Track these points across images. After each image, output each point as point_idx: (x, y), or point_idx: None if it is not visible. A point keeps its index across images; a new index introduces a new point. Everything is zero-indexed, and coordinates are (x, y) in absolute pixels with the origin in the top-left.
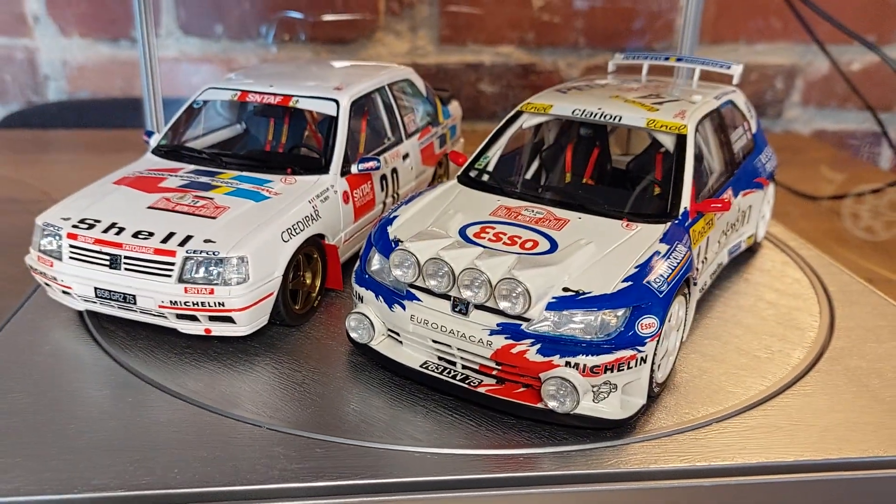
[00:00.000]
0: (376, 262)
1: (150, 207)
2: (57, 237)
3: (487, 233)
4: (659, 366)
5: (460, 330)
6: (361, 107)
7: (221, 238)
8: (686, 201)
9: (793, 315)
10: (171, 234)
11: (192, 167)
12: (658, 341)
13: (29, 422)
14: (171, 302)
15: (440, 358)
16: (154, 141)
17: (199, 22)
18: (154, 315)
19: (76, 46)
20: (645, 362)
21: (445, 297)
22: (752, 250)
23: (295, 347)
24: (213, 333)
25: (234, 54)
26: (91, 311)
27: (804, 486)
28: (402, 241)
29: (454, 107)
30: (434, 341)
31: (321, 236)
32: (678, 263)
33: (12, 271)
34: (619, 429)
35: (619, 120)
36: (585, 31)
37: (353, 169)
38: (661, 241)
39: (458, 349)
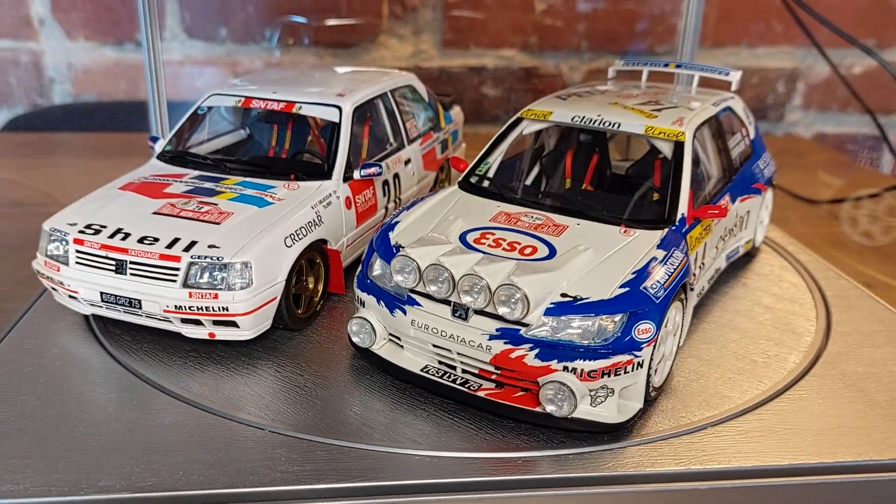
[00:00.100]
0: (378, 267)
1: (155, 213)
2: (64, 242)
3: (487, 238)
4: (656, 370)
5: (460, 335)
6: (364, 113)
7: (225, 244)
8: (683, 207)
9: (789, 319)
10: (175, 240)
11: (197, 173)
12: (654, 346)
13: (37, 424)
14: (175, 306)
15: (440, 362)
16: (159, 147)
17: (204, 25)
18: (159, 319)
19: (81, 49)
20: (641, 367)
21: (446, 302)
22: (750, 255)
23: (297, 351)
24: (217, 337)
25: (238, 57)
26: (97, 315)
27: (798, 489)
28: (403, 247)
29: (456, 112)
30: (434, 346)
31: (324, 241)
32: (675, 269)
33: (19, 274)
34: (616, 432)
35: (618, 127)
36: (588, 35)
37: (356, 175)
38: (659, 247)
39: (458, 353)
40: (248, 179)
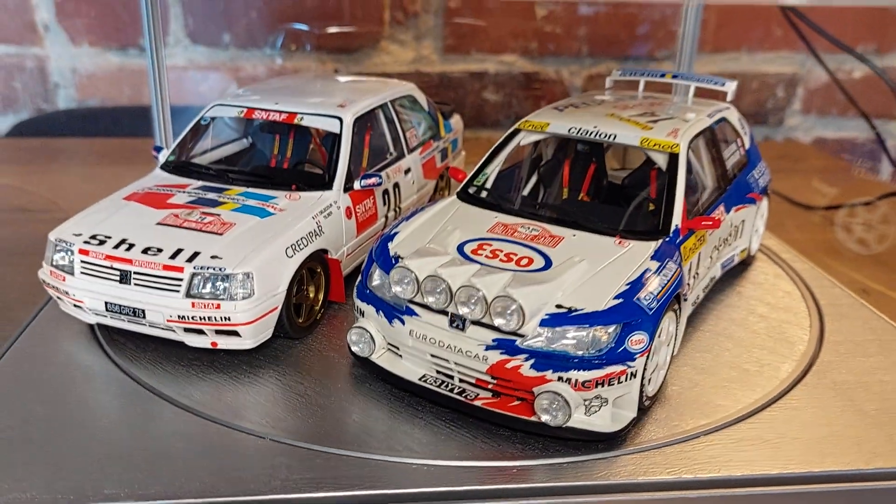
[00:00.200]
0: (377, 277)
1: (158, 224)
2: (69, 252)
3: (485, 249)
4: (649, 379)
5: (457, 345)
6: (365, 123)
7: (227, 254)
8: (677, 219)
9: (783, 328)
10: (179, 251)
11: (200, 183)
12: (648, 357)
13: (43, 431)
14: (178, 316)
15: (438, 371)
16: (162, 157)
17: (207, 31)
18: (162, 329)
19: (85, 55)
20: (635, 377)
21: (443, 312)
22: (745, 263)
23: (298, 360)
24: (219, 346)
25: (241, 62)
26: (102, 324)
27: (788, 498)
28: (402, 258)
29: (456, 120)
30: (432, 355)
31: (324, 251)
32: (668, 281)
33: (24, 282)
34: (610, 441)
35: (614, 138)
36: (588, 40)
37: (356, 185)
38: (653, 258)
39: (456, 363)
40: (250, 190)
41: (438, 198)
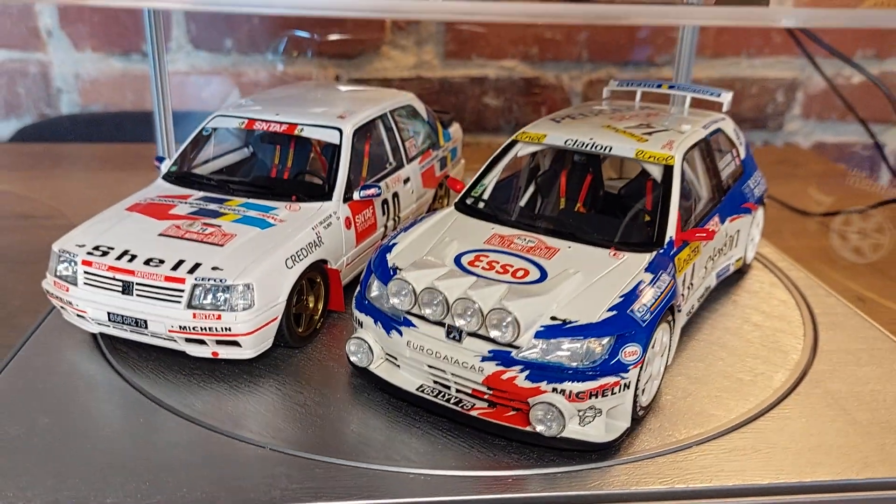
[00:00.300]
0: (375, 288)
1: (160, 235)
2: (72, 263)
3: (481, 261)
4: (643, 390)
5: (454, 356)
6: (364, 133)
7: (228, 266)
8: (671, 231)
9: (777, 337)
10: (180, 262)
11: (202, 194)
12: (641, 368)
13: (47, 441)
14: (180, 327)
15: (435, 382)
16: (165, 167)
17: (209, 36)
18: (164, 339)
19: (88, 60)
20: (628, 388)
21: (440, 324)
22: (741, 272)
23: (298, 369)
24: (220, 356)
25: (243, 68)
26: (104, 334)
27: None
28: (400, 269)
29: (455, 129)
30: (429, 366)
31: (324, 261)
32: (662, 293)
33: (28, 289)
34: (604, 451)
35: (610, 150)
36: (588, 46)
37: (355, 195)
38: (647, 270)
39: (452, 374)
40: (250, 201)
41: (438, 206)
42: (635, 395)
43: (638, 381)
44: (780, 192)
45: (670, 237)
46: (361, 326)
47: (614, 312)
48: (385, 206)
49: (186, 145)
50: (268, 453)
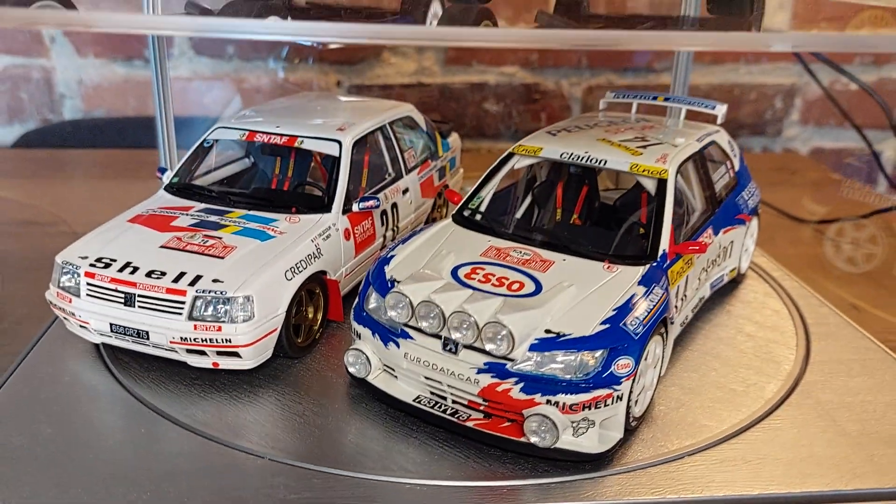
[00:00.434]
0: (373, 300)
1: (162, 247)
2: (75, 275)
3: (478, 273)
4: (636, 401)
5: (450, 368)
6: (364, 145)
7: (229, 278)
8: (665, 244)
9: (770, 348)
10: (181, 274)
11: (203, 206)
12: (634, 380)
13: (50, 451)
14: (181, 338)
15: (432, 393)
16: (166, 178)
17: (211, 43)
18: (165, 349)
19: (91, 66)
20: (621, 400)
21: (437, 336)
22: (735, 281)
23: (297, 379)
24: (220, 367)
25: (244, 74)
26: (107, 344)
27: None
28: (398, 281)
29: (454, 139)
30: (426, 377)
31: (323, 272)
32: (654, 305)
33: (32, 297)
34: (597, 461)
35: (605, 164)
36: (587, 52)
37: (354, 207)
38: (640, 283)
39: (448, 385)
40: (251, 213)
41: (437, 215)
42: (628, 407)
43: (630, 392)
44: (776, 199)
45: (663, 250)
46: (359, 338)
47: (607, 326)
48: (384, 216)
49: (188, 157)
50: (267, 463)
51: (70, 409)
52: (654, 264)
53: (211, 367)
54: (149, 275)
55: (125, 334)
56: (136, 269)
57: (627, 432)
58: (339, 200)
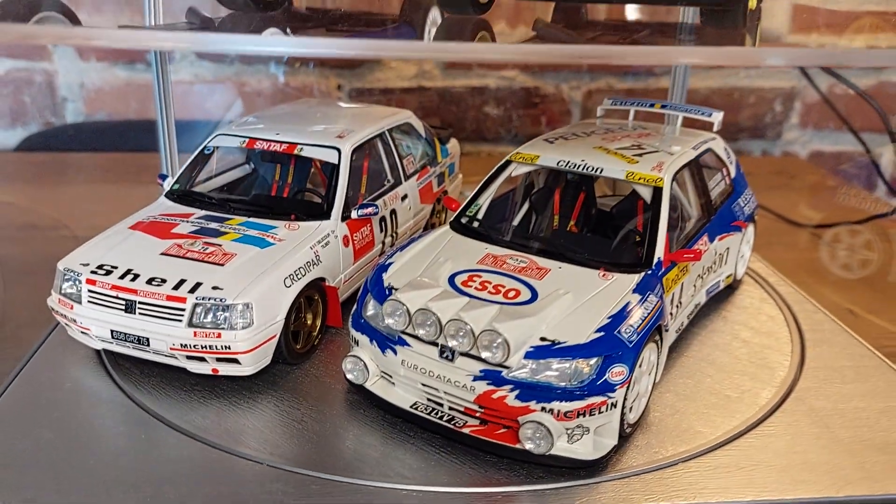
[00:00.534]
0: (371, 307)
1: (162, 254)
2: (77, 282)
3: (474, 281)
4: (631, 408)
5: (446, 375)
6: (363, 152)
7: (228, 285)
8: (660, 252)
9: (765, 354)
10: (181, 281)
11: (203, 213)
12: (628, 388)
13: (51, 457)
14: (181, 345)
15: (429, 399)
16: (167, 184)
17: None
18: (166, 356)
19: (93, 70)
20: (615, 407)
21: (434, 344)
22: (732, 287)
23: (296, 385)
24: (219, 373)
25: (246, 77)
26: (108, 350)
27: None
28: (395, 289)
29: (452, 145)
30: (423, 384)
31: (322, 279)
32: (649, 313)
33: (34, 301)
34: (591, 468)
35: (601, 172)
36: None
37: (353, 214)
38: (635, 291)
39: (445, 392)
40: (251, 220)
41: (436, 220)
42: (623, 413)
43: (625, 400)
44: (774, 203)
45: (658, 258)
46: (357, 345)
47: (602, 333)
48: (383, 223)
49: (188, 164)
50: (265, 469)
51: (71, 414)
52: (650, 272)
53: (210, 373)
54: (149, 282)
55: (126, 341)
56: (136, 276)
57: (622, 438)
58: (337, 208)
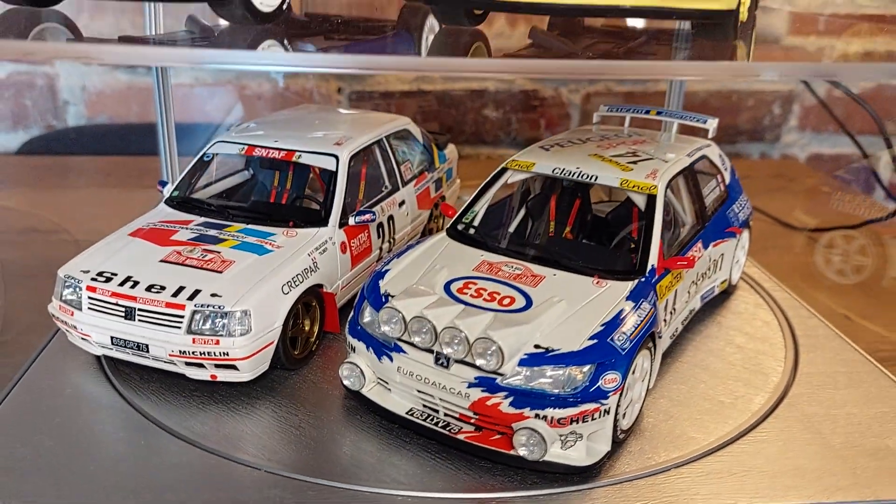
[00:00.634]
0: (368, 314)
1: (162, 261)
2: (77, 289)
3: (470, 288)
4: (624, 414)
5: (441, 382)
6: (361, 159)
7: (226, 292)
8: (654, 259)
9: (759, 360)
10: (180, 289)
11: (202, 220)
12: (621, 394)
13: (52, 463)
14: (180, 351)
15: (425, 406)
16: (167, 191)
17: None
18: (165, 362)
19: (94, 73)
20: (608, 414)
21: (429, 351)
22: (727, 293)
23: (293, 391)
24: (218, 379)
25: (246, 81)
26: (108, 356)
27: None
28: (392, 296)
29: (450, 150)
30: (419, 391)
31: (320, 286)
32: (642, 321)
33: (35, 305)
34: (585, 474)
35: (595, 179)
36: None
37: (351, 221)
38: (628, 298)
39: (440, 399)
40: (249, 227)
41: (433, 226)
42: (616, 420)
43: (618, 406)
44: (771, 207)
45: (652, 265)
46: (354, 351)
47: (595, 341)
48: (380, 229)
49: (188, 171)
50: (263, 475)
51: (71, 421)
52: (643, 279)
53: (209, 379)
54: (149, 289)
55: (125, 347)
56: (136, 283)
57: (615, 444)
58: (335, 214)
